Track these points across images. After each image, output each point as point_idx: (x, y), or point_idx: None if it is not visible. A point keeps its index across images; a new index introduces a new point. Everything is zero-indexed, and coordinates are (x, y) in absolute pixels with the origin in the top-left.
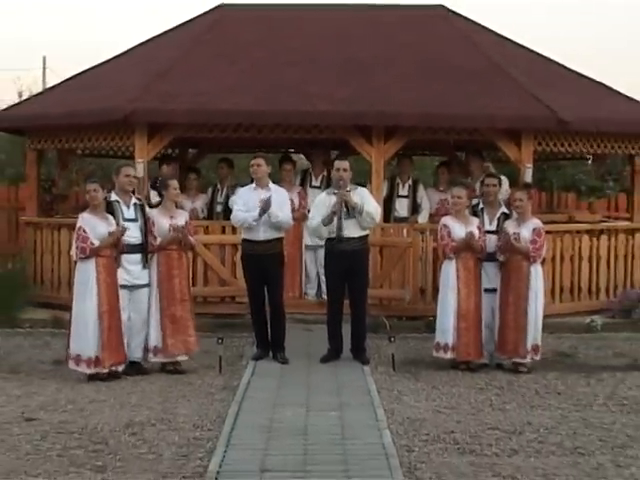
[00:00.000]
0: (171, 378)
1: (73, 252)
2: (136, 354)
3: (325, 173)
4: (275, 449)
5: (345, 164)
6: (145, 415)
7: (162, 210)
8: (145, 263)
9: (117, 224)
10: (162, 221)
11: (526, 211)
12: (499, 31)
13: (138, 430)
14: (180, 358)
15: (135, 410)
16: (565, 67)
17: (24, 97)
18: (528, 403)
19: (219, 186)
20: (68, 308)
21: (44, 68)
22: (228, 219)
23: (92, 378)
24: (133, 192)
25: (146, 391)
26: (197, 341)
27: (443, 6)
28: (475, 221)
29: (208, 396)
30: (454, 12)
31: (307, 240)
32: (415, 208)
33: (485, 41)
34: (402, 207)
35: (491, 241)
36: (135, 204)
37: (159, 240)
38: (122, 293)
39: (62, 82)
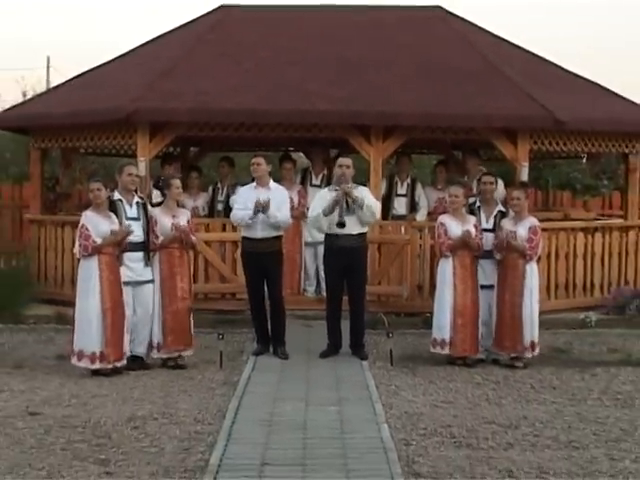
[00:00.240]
0: (172, 373)
1: (76, 249)
2: (139, 349)
3: (325, 172)
4: (275, 443)
5: (348, 161)
6: (147, 409)
7: (164, 209)
8: (147, 261)
9: (120, 223)
10: (164, 220)
11: (523, 209)
12: (495, 32)
13: (140, 424)
14: (184, 353)
15: (137, 404)
16: (561, 67)
17: (28, 97)
18: (524, 398)
19: (220, 185)
20: (71, 304)
21: (48, 67)
22: (229, 217)
23: (95, 373)
24: (135, 191)
25: (148, 386)
26: (194, 338)
27: (441, 7)
28: (472, 219)
29: (209, 391)
30: (451, 13)
31: (307, 237)
32: (413, 206)
33: (482, 42)
34: (401, 205)
35: (488, 239)
36: (138, 203)
37: (161, 239)
38: (126, 290)
39: (65, 82)
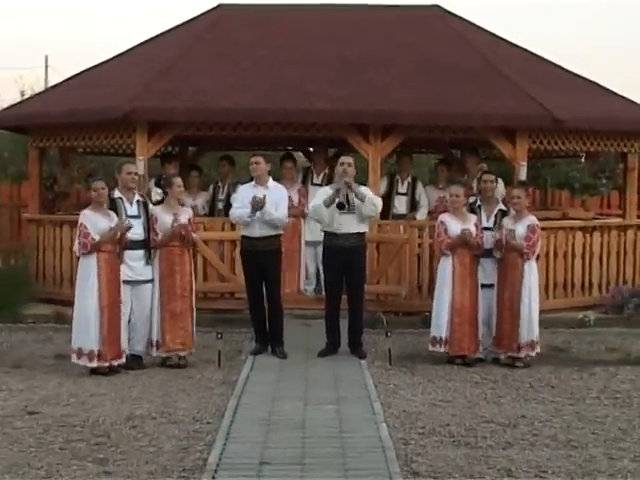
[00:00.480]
0: (171, 372)
1: (75, 248)
2: (138, 347)
3: (327, 171)
4: (274, 442)
5: (350, 159)
6: (146, 409)
7: (165, 207)
8: (148, 259)
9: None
10: (165, 218)
11: (523, 208)
12: (494, 31)
13: (139, 423)
14: (182, 353)
15: (136, 404)
16: (559, 67)
17: (26, 96)
18: (522, 397)
19: (220, 183)
20: (70, 304)
21: (46, 67)
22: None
23: (93, 372)
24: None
25: (146, 385)
26: (194, 337)
27: (439, 6)
28: (473, 218)
29: (208, 390)
30: (450, 12)
31: (307, 236)
32: (414, 205)
33: (481, 41)
34: (401, 204)
35: (488, 238)
36: (138, 201)
37: (160, 235)
38: (125, 288)
39: (64, 81)
